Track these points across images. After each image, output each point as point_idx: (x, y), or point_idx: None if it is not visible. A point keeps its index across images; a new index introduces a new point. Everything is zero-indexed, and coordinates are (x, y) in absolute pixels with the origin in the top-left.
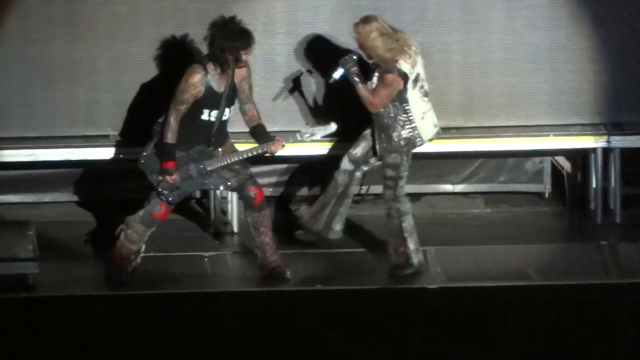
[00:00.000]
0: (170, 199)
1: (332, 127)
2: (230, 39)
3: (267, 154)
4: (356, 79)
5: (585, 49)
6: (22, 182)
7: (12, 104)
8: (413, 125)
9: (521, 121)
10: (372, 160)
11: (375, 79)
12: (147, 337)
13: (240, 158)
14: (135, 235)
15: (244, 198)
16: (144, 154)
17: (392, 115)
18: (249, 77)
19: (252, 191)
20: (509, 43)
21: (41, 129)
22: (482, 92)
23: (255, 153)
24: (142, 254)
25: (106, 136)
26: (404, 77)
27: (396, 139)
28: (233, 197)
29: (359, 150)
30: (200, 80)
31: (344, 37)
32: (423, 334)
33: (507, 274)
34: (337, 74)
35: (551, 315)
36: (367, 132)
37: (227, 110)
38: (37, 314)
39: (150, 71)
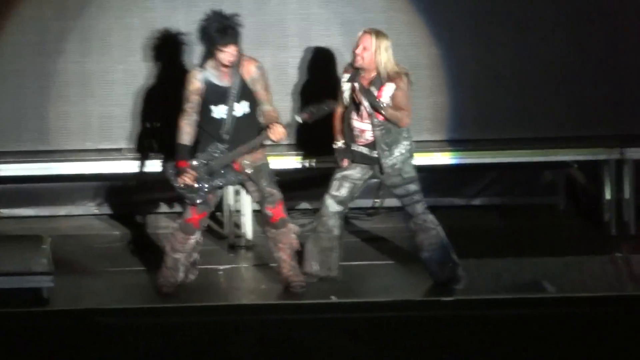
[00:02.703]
0: (195, 200)
1: (330, 104)
2: (210, 32)
3: (270, 142)
4: (382, 104)
5: (598, 60)
6: (36, 196)
7: (27, 117)
8: (409, 132)
9: (535, 133)
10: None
11: (383, 97)
12: (162, 350)
13: (246, 150)
14: (178, 244)
15: (262, 215)
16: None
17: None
18: (261, 78)
19: (268, 210)
20: (522, 57)
21: (55, 143)
22: (496, 104)
23: (257, 143)
24: (197, 268)
25: (119, 149)
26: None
27: (404, 150)
28: (247, 211)
29: (344, 191)
30: (193, 75)
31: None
32: (438, 346)
33: (522, 286)
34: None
35: (566, 327)
36: (347, 172)
37: (238, 105)
38: (52, 328)
39: (163, 83)
